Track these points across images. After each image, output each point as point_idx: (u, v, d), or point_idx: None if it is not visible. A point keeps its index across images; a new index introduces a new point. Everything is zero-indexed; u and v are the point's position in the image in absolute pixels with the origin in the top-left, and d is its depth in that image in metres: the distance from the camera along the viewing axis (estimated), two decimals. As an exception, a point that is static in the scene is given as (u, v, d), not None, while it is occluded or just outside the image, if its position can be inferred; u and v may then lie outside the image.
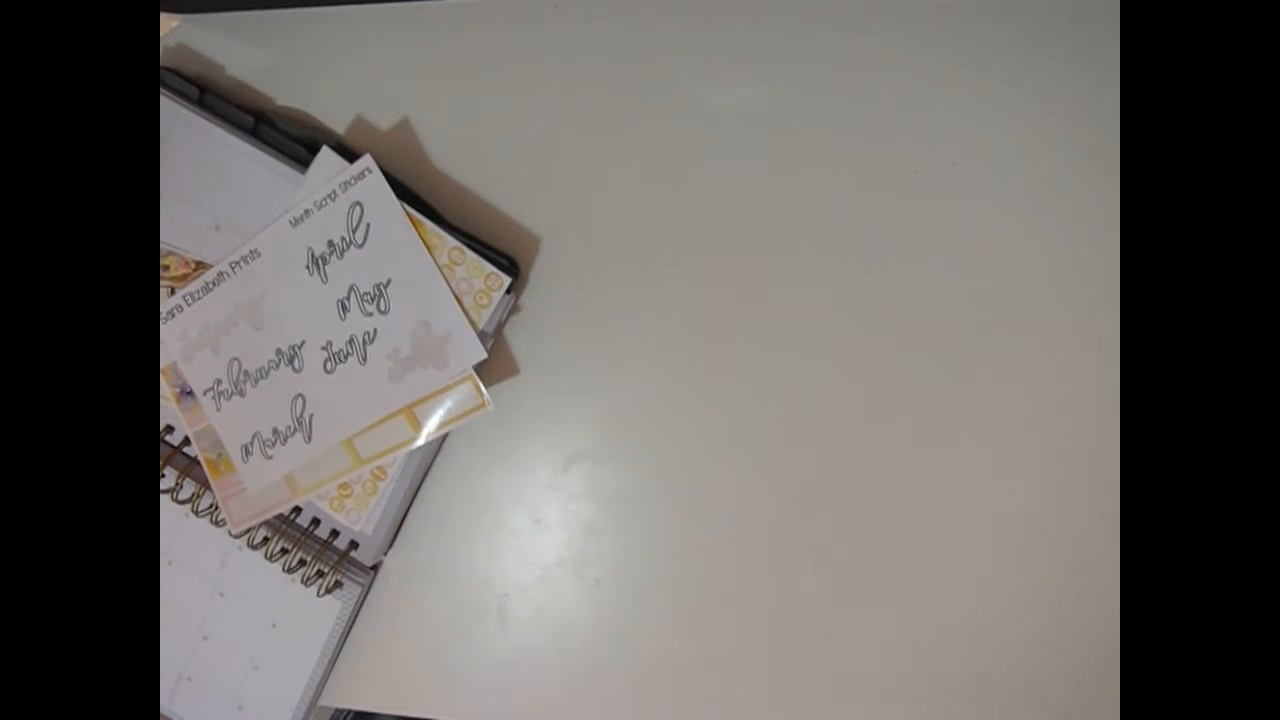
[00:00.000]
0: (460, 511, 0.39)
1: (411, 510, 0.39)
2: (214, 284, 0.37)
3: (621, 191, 0.37)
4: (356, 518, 0.38)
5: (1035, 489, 0.35)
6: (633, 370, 0.37)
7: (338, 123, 0.39)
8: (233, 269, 0.37)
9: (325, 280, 0.36)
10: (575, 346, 0.37)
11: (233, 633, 0.39)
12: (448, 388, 0.35)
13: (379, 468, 0.37)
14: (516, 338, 0.38)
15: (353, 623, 0.39)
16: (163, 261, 0.37)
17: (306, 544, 0.38)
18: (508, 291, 0.35)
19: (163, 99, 0.37)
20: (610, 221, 0.37)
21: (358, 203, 0.35)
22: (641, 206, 0.37)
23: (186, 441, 0.39)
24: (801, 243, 0.36)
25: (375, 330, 0.35)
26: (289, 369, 0.36)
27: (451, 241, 0.35)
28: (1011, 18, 0.34)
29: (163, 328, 0.37)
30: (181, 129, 0.37)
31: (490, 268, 0.35)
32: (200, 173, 0.37)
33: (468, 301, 0.35)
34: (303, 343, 0.36)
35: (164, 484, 0.39)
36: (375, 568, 0.39)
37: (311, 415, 0.36)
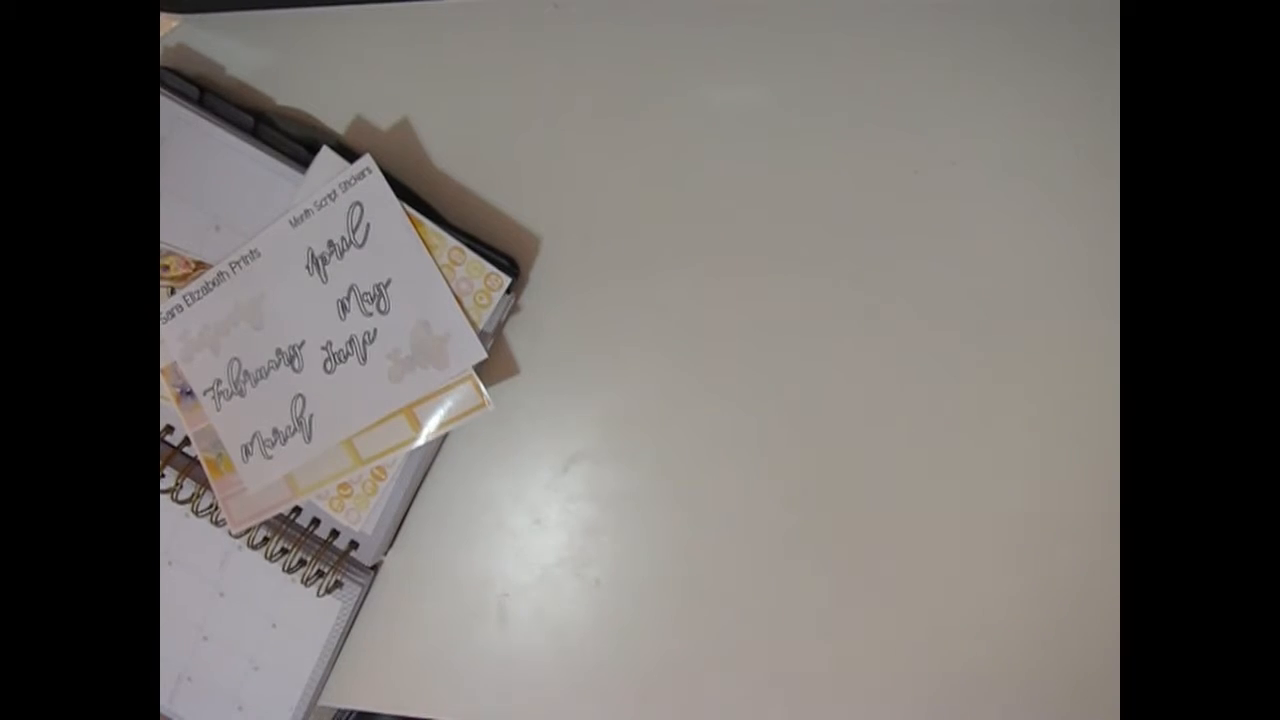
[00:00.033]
0: (460, 511, 0.39)
1: (411, 510, 0.39)
2: (214, 284, 0.37)
3: (621, 191, 0.37)
4: (356, 518, 0.38)
5: (1035, 489, 0.34)
6: (633, 370, 0.37)
7: (338, 123, 0.39)
8: (233, 269, 0.37)
9: (325, 280, 0.36)
10: (575, 346, 0.37)
11: (233, 633, 0.39)
12: (448, 388, 0.35)
13: (379, 468, 0.37)
14: (516, 338, 0.38)
15: (353, 623, 0.39)
16: (163, 261, 0.37)
17: (306, 544, 0.38)
18: (508, 291, 0.35)
19: (163, 99, 0.37)
20: (610, 221, 0.37)
21: (358, 203, 0.35)
22: (641, 206, 0.37)
23: (186, 441, 0.39)
24: (801, 243, 0.36)
25: (375, 330, 0.35)
26: (289, 369, 0.36)
27: (451, 241, 0.35)
28: (1011, 18, 0.34)
29: (163, 328, 0.37)
30: (181, 129, 0.37)
31: (490, 268, 0.35)
32: (200, 173, 0.37)
33: (468, 301, 0.35)
34: (303, 343, 0.36)
35: (164, 484, 0.39)
36: (375, 568, 0.39)
37: (311, 415, 0.36)
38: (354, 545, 0.38)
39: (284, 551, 0.38)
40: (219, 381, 0.37)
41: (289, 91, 0.39)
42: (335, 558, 0.38)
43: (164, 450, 0.39)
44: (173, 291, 0.37)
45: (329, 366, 0.36)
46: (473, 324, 0.35)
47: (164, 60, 0.39)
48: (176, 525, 0.39)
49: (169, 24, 0.40)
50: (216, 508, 0.38)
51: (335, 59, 0.39)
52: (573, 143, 0.37)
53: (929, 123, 0.35)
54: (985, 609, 0.35)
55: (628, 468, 0.37)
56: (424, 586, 0.39)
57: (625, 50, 0.36)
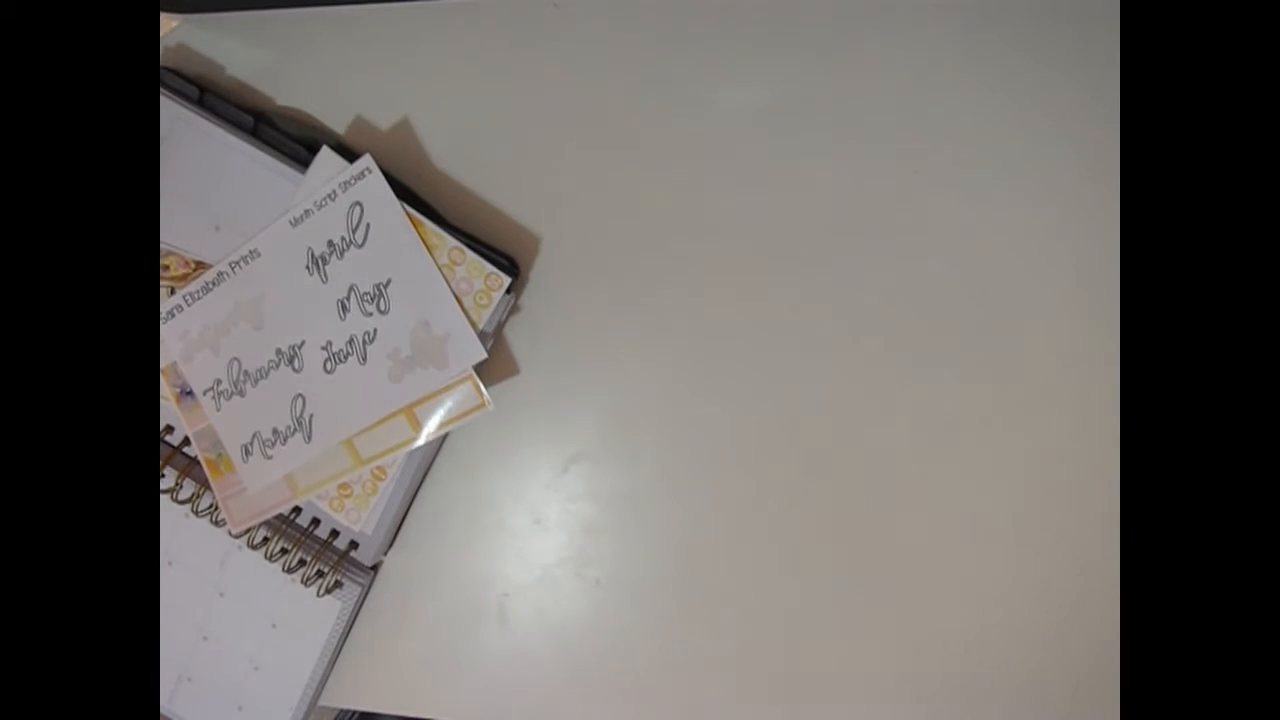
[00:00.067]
0: (460, 511, 0.39)
1: (411, 510, 0.39)
2: (214, 284, 0.37)
3: (621, 191, 0.37)
4: (356, 518, 0.38)
5: (1035, 489, 0.35)
6: (633, 370, 0.37)
7: (338, 123, 0.39)
8: (233, 269, 0.37)
9: (325, 280, 0.36)
10: (575, 346, 0.37)
11: (233, 633, 0.39)
12: (448, 388, 0.35)
13: (379, 468, 0.37)
14: (516, 338, 0.38)
15: (353, 623, 0.39)
16: (163, 261, 0.37)
17: (306, 544, 0.38)
18: (508, 291, 0.35)
19: (163, 99, 0.37)
20: (610, 221, 0.37)
21: (358, 203, 0.35)
22: (642, 206, 0.37)
23: (186, 441, 0.39)
24: (801, 243, 0.36)
25: (375, 330, 0.35)
26: (289, 369, 0.36)
27: (451, 241, 0.35)
28: (1011, 18, 0.34)
29: (163, 328, 0.37)
30: (181, 129, 0.37)
31: (490, 268, 0.35)
32: (200, 173, 0.37)
33: (468, 301, 0.35)
34: (303, 343, 0.36)
35: (164, 484, 0.39)
36: (375, 568, 0.39)
37: (311, 415, 0.36)
38: (354, 545, 0.38)
39: (284, 551, 0.38)
40: (219, 381, 0.37)
41: (289, 91, 0.39)
42: (335, 558, 0.38)
43: (164, 450, 0.39)
44: (173, 291, 0.37)
45: (329, 366, 0.36)
46: (473, 324, 0.35)
47: (164, 60, 0.39)
48: (176, 525, 0.39)
49: (169, 24, 0.40)
50: (216, 508, 0.38)
51: (335, 59, 0.39)
52: (573, 143, 0.37)
53: (929, 123, 0.35)
54: (985, 609, 0.35)
55: (628, 468, 0.37)
56: (424, 586, 0.39)
57: (625, 50, 0.36)
